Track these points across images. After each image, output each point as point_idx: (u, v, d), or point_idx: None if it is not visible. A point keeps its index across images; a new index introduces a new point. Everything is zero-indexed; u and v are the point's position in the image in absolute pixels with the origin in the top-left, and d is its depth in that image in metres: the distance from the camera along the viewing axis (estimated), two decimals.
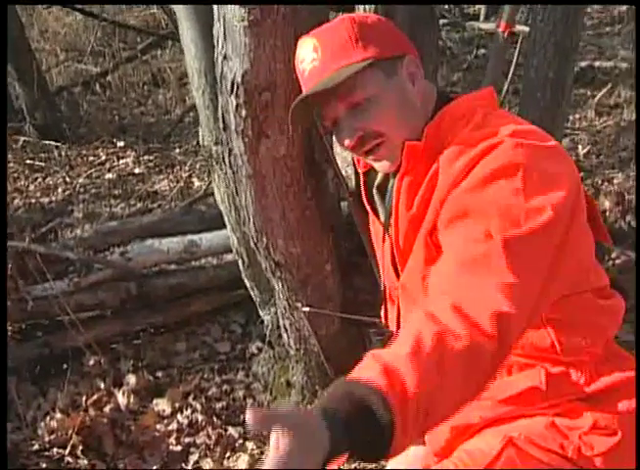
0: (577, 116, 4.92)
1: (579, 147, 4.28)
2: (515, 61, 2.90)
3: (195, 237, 3.05)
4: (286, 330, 2.42)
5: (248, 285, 2.54)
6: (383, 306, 1.49)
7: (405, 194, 1.16)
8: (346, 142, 1.19)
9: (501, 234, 0.97)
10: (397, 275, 1.30)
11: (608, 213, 3.41)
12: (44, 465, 2.23)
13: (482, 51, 5.98)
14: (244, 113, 1.75)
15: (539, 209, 0.99)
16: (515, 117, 1.21)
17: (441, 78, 5.50)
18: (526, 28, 2.67)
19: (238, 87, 1.73)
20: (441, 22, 6.24)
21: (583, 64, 5.53)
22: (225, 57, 1.73)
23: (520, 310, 0.91)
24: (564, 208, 1.01)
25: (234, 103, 1.76)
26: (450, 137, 1.13)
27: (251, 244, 2.13)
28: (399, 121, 1.17)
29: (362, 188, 1.36)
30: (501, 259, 0.94)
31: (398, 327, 1.37)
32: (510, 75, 2.92)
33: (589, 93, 5.25)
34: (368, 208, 1.35)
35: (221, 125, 1.88)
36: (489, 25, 5.47)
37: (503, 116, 1.19)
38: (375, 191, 1.33)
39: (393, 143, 1.18)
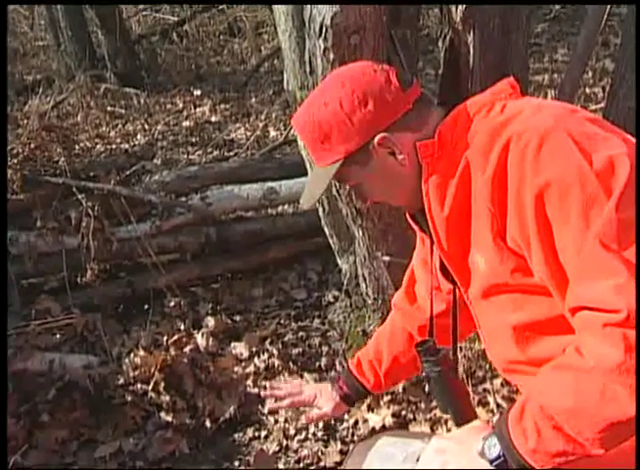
0: None
1: None
2: (607, 9, 2.72)
3: (274, 184, 3.05)
4: (364, 279, 2.42)
5: (327, 232, 2.53)
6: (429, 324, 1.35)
7: (434, 196, 1.10)
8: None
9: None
10: (450, 280, 1.24)
11: None
12: (129, 398, 2.32)
13: None
14: (331, 56, 1.72)
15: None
16: (539, 100, 1.13)
17: None
18: None
19: (327, 30, 1.69)
20: None
21: None
22: None
23: None
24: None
25: (322, 46, 1.73)
26: (472, 131, 1.07)
27: (333, 190, 2.11)
28: (392, 192, 1.19)
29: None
30: None
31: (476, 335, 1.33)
32: (601, 25, 2.74)
33: None
34: (412, 223, 1.28)
35: (307, 69, 1.85)
36: None
37: (527, 100, 1.11)
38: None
39: (397, 204, 1.24)
